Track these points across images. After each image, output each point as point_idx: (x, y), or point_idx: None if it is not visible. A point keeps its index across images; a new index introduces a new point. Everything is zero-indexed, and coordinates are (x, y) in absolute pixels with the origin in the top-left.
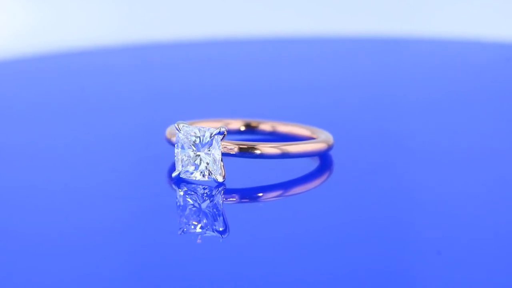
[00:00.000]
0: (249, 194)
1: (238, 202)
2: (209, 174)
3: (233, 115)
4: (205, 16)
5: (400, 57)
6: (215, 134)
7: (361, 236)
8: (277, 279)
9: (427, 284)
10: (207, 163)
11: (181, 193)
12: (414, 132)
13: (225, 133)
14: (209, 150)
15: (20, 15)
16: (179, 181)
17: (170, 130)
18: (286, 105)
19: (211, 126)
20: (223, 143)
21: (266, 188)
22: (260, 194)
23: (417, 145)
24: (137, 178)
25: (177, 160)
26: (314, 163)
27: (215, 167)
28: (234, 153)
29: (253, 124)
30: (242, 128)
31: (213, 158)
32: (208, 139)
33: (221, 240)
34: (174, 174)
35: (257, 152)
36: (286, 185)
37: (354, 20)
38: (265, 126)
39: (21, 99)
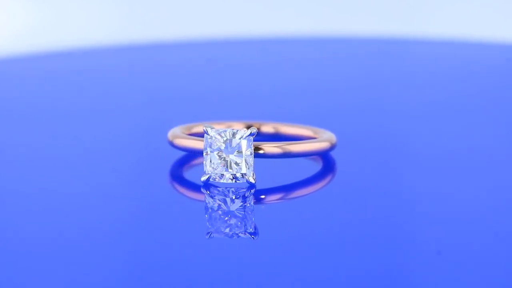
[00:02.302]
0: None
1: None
2: (241, 176)
3: (235, 117)
4: (206, 17)
5: (402, 58)
6: (247, 136)
7: (363, 237)
8: (280, 280)
9: (428, 283)
10: (238, 165)
11: (209, 195)
12: (417, 133)
13: (256, 134)
14: (241, 152)
15: (20, 15)
16: (207, 184)
17: (172, 133)
18: (288, 106)
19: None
20: None
21: (269, 191)
22: (263, 196)
23: (420, 146)
24: (138, 180)
25: (206, 163)
26: (316, 165)
27: (247, 169)
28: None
29: (255, 126)
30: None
31: (245, 160)
32: (239, 140)
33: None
34: (203, 178)
35: (260, 151)
36: (288, 188)
37: (356, 20)
38: (267, 128)
39: (21, 99)
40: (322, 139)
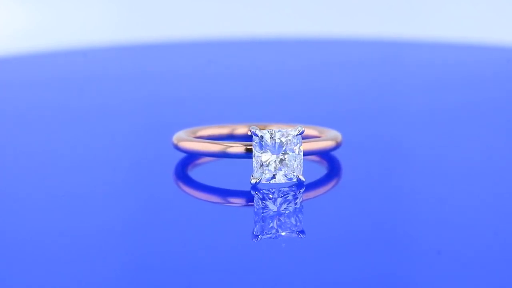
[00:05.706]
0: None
1: (245, 205)
2: (292, 175)
3: (239, 120)
4: (207, 17)
5: (406, 60)
6: (296, 135)
7: (363, 237)
8: (284, 281)
9: (428, 283)
10: (288, 165)
11: (258, 197)
12: (418, 133)
13: (303, 132)
14: (291, 152)
15: (20, 15)
16: (255, 186)
17: (177, 136)
18: (291, 108)
19: (219, 132)
20: (229, 143)
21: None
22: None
23: (422, 147)
24: (142, 180)
25: (256, 166)
26: (322, 169)
27: (297, 168)
28: (242, 152)
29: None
30: (249, 133)
31: (295, 159)
32: (288, 140)
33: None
34: (254, 181)
35: None
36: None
37: (362, 23)
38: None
39: (21, 99)
40: (327, 138)
